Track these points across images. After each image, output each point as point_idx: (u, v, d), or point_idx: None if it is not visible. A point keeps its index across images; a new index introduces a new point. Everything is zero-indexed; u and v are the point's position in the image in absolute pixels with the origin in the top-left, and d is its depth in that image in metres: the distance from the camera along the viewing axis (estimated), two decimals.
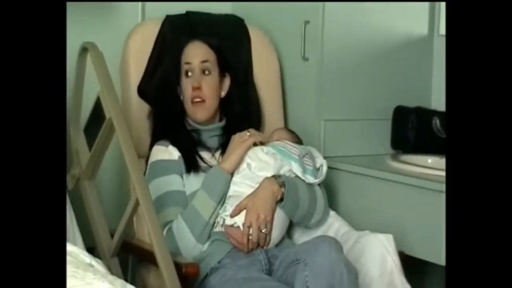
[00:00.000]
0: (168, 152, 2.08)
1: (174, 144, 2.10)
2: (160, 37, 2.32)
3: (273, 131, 2.21)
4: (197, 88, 2.08)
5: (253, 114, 2.34)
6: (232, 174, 2.01)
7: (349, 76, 2.47)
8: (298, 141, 2.17)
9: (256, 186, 1.97)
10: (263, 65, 2.44)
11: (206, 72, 2.10)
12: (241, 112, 2.24)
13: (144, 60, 2.30)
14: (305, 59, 2.41)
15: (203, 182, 1.99)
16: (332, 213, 2.17)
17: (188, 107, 2.11)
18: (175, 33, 2.29)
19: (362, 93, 2.51)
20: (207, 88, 2.09)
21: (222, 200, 1.98)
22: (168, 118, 2.16)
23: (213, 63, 2.14)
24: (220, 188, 1.97)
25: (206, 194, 1.97)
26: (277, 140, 2.10)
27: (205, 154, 2.11)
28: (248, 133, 2.03)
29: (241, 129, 2.12)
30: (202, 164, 2.10)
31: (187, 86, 2.11)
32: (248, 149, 1.99)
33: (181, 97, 2.13)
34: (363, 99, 2.51)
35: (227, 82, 2.20)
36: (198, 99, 2.09)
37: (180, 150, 2.09)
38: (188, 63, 2.10)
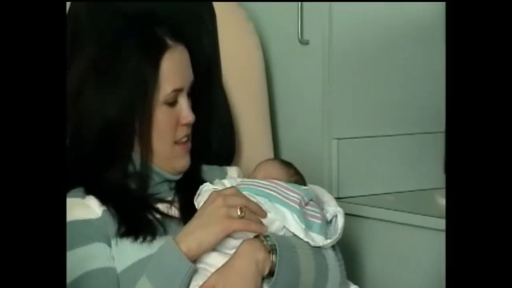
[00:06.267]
0: (84, 207, 1.63)
1: (96, 191, 1.65)
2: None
3: (257, 165, 1.77)
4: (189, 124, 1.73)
5: (221, 136, 1.94)
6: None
7: (374, 67, 2.10)
8: (298, 179, 1.75)
9: (231, 253, 1.57)
10: (237, 56, 2.03)
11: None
12: (202, 135, 1.81)
13: None
14: (303, 42, 2.04)
15: (150, 268, 1.55)
16: None
17: (166, 150, 1.69)
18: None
19: (395, 94, 2.14)
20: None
21: None
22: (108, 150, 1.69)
23: None
24: (178, 286, 1.54)
25: None
26: (263, 178, 1.70)
27: (158, 205, 1.70)
28: (239, 212, 1.56)
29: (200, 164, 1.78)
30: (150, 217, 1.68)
31: (168, 119, 1.68)
32: (230, 232, 1.57)
33: (137, 122, 1.67)
34: (397, 102, 2.14)
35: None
36: (186, 139, 1.70)
37: (105, 199, 1.64)
38: (177, 90, 1.67)
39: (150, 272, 1.54)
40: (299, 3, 2.00)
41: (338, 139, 2.03)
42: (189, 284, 1.55)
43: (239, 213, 1.56)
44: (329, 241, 1.60)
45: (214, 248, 1.59)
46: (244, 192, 1.63)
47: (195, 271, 1.57)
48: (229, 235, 1.59)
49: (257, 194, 1.60)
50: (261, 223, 1.61)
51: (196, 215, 1.59)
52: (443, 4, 2.17)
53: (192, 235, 1.56)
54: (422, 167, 2.17)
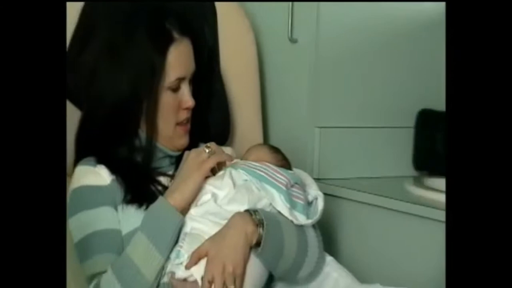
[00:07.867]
0: (95, 174, 1.68)
1: (107, 162, 1.70)
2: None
3: (249, 149, 1.80)
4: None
5: (218, 119, 1.98)
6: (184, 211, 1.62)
7: (356, 65, 2.12)
8: (285, 163, 1.76)
9: (223, 223, 1.59)
10: (235, 50, 2.06)
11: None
12: (201, 117, 1.84)
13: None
14: (293, 40, 2.06)
15: (143, 223, 1.58)
16: (329, 259, 1.75)
17: (168, 130, 1.73)
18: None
19: (373, 90, 2.15)
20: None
21: (171, 250, 1.59)
22: (114, 123, 1.72)
23: None
24: (170, 235, 1.58)
25: (149, 242, 1.56)
26: (254, 161, 1.71)
27: (160, 178, 1.73)
28: (207, 150, 1.61)
29: (201, 141, 1.78)
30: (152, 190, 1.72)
31: (171, 103, 1.71)
32: (207, 173, 1.62)
33: (144, 104, 1.69)
34: (374, 98, 2.15)
35: None
36: (186, 121, 1.73)
37: (114, 169, 1.69)
38: (181, 78, 1.70)
39: (143, 226, 1.59)
40: (290, 3, 2.01)
41: (321, 127, 2.06)
42: (178, 235, 1.59)
43: (207, 150, 1.61)
44: (310, 220, 1.65)
45: (210, 216, 1.60)
46: (239, 170, 1.65)
47: (183, 223, 1.59)
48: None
49: (249, 174, 1.65)
50: (227, 155, 1.65)
51: (177, 174, 1.64)
52: (425, 4, 2.20)
53: (176, 190, 1.60)
54: (394, 157, 2.19)
